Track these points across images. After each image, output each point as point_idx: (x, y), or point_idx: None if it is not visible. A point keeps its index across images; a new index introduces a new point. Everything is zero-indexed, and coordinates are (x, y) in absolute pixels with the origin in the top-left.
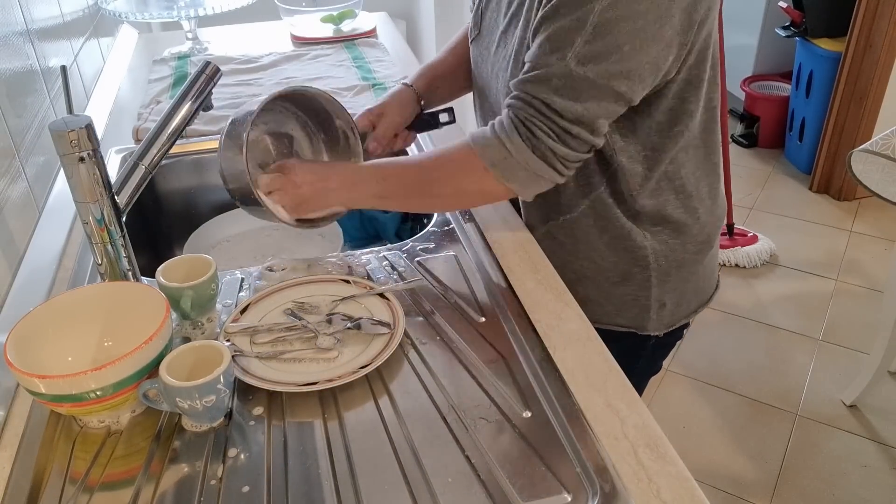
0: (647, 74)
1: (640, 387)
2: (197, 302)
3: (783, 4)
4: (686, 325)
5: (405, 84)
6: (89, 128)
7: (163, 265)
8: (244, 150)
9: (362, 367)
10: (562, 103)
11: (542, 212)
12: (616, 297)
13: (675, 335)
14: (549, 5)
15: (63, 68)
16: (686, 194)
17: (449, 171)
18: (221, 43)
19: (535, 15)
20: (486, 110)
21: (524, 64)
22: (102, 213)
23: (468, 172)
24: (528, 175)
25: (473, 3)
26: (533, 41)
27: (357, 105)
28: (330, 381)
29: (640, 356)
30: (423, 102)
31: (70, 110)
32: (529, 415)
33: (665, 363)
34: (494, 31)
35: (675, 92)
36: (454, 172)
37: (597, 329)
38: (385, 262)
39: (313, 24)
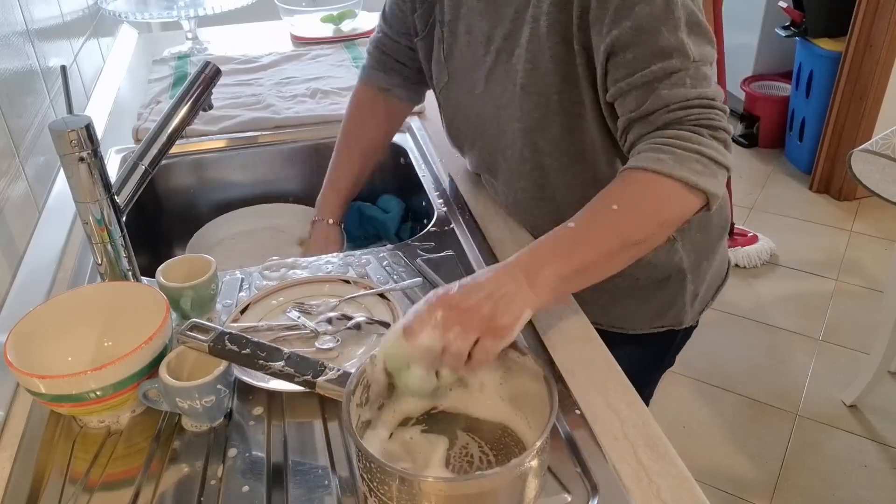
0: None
1: (655, 383)
2: (197, 302)
3: (783, 4)
4: None
5: (323, 221)
6: (89, 128)
7: (163, 265)
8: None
9: None
10: (710, 90)
11: None
12: (655, 302)
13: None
14: (620, 28)
15: (63, 68)
16: None
17: (647, 207)
18: (221, 43)
19: (575, 42)
20: (483, 148)
21: (623, 87)
22: (102, 213)
23: (666, 198)
24: (722, 171)
25: (426, 58)
26: (609, 61)
27: None
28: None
29: (668, 351)
30: (342, 224)
31: (70, 110)
32: None
33: None
34: (475, 69)
35: None
36: (653, 204)
37: (634, 335)
38: (385, 262)
39: (313, 24)
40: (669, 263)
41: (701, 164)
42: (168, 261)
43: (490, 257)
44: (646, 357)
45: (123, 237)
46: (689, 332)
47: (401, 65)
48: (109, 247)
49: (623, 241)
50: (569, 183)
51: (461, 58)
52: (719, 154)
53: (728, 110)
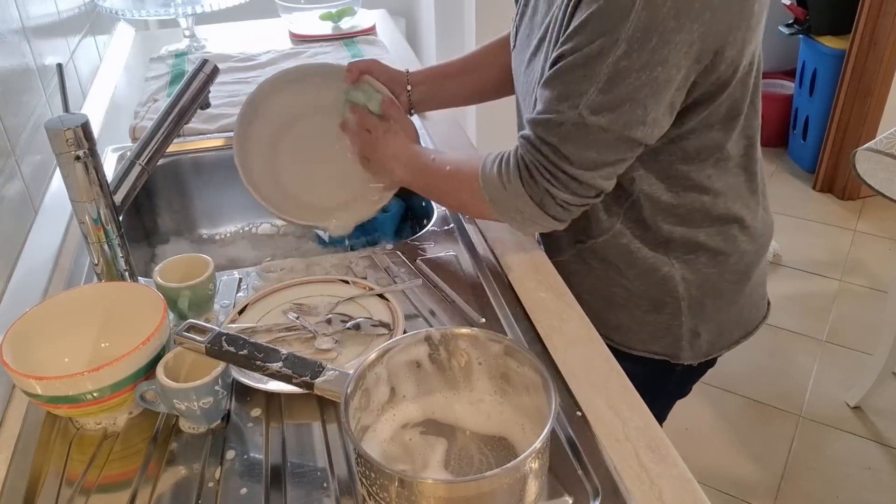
0: (663, 117)
1: (665, 411)
2: (195, 302)
3: (787, 2)
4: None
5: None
6: (85, 126)
7: (160, 264)
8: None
9: None
10: (572, 149)
11: (571, 233)
12: (649, 325)
13: (710, 363)
14: (562, 48)
15: (59, 66)
16: (723, 222)
17: (456, 188)
18: (219, 40)
19: (552, 53)
20: (517, 123)
21: (536, 100)
22: (99, 213)
23: (471, 195)
24: (523, 218)
25: (516, 11)
26: (545, 78)
27: None
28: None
29: (668, 381)
30: (409, 87)
31: (66, 108)
32: None
33: None
34: (526, 49)
35: (709, 123)
36: (460, 190)
37: (629, 354)
38: (385, 263)
39: (312, 22)
40: (664, 287)
41: (499, 199)
42: (165, 260)
43: (490, 257)
44: (641, 381)
45: (120, 236)
46: (692, 370)
47: None
48: (106, 246)
49: (438, 195)
50: None
51: (523, 32)
52: (511, 210)
53: (588, 187)
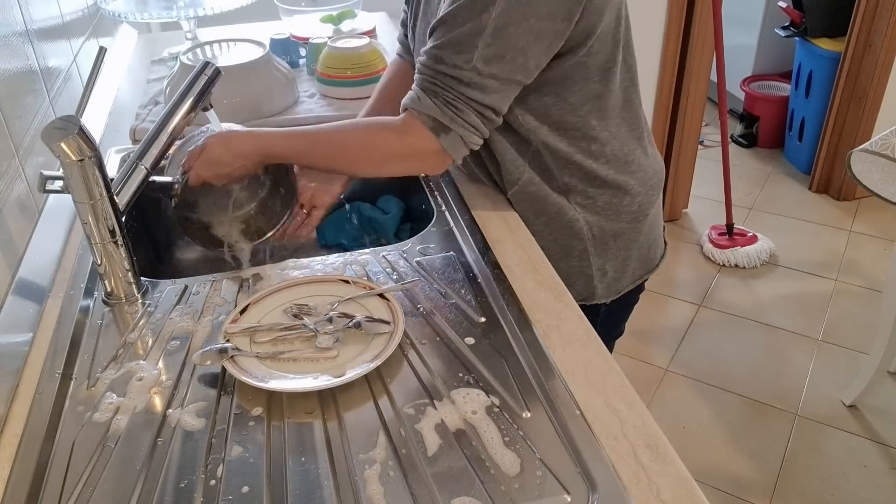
0: (543, 61)
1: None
2: None
3: (783, 4)
4: (639, 290)
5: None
6: (81, 133)
7: None
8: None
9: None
10: (473, 94)
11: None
12: (562, 271)
13: (628, 300)
14: (448, 10)
15: (102, 49)
16: (616, 168)
17: (370, 130)
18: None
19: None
20: None
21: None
22: (102, 214)
23: (410, 134)
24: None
25: (408, 15)
26: (430, 36)
27: (355, 106)
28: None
29: (594, 324)
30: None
31: (82, 108)
32: (529, 415)
33: (664, 363)
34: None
35: (587, 76)
36: (375, 132)
37: None
38: (385, 263)
39: (313, 25)
40: (570, 231)
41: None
42: None
43: (490, 257)
44: None
45: (123, 237)
46: (614, 309)
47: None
48: (109, 247)
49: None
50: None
51: (420, 27)
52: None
53: (485, 111)
